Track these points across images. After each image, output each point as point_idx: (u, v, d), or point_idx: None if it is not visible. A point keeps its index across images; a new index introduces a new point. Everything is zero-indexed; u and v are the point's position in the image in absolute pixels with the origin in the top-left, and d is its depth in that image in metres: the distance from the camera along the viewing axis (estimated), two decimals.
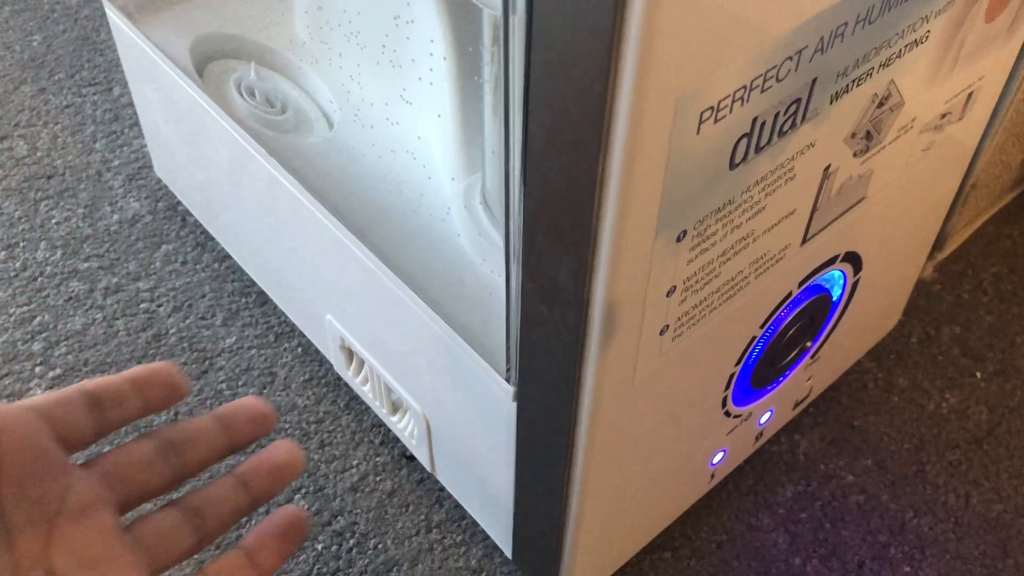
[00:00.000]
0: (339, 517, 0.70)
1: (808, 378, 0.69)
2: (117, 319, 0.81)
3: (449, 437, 0.64)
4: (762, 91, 0.39)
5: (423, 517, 0.70)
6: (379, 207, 0.60)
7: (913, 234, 0.68)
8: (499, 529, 0.64)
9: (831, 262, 0.58)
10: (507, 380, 0.52)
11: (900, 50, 0.46)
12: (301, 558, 0.68)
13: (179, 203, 0.88)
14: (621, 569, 0.67)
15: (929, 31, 0.47)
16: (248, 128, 0.64)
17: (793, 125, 0.43)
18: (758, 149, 0.42)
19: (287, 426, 0.74)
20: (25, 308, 0.81)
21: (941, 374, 0.79)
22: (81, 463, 0.30)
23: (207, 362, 0.78)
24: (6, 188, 0.90)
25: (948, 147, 0.60)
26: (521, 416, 0.53)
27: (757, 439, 0.70)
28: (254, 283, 0.82)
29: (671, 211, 0.40)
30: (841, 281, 0.62)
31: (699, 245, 0.44)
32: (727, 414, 0.61)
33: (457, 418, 0.61)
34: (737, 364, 0.57)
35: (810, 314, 0.60)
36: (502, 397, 0.53)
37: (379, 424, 0.74)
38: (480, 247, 0.57)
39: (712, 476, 0.68)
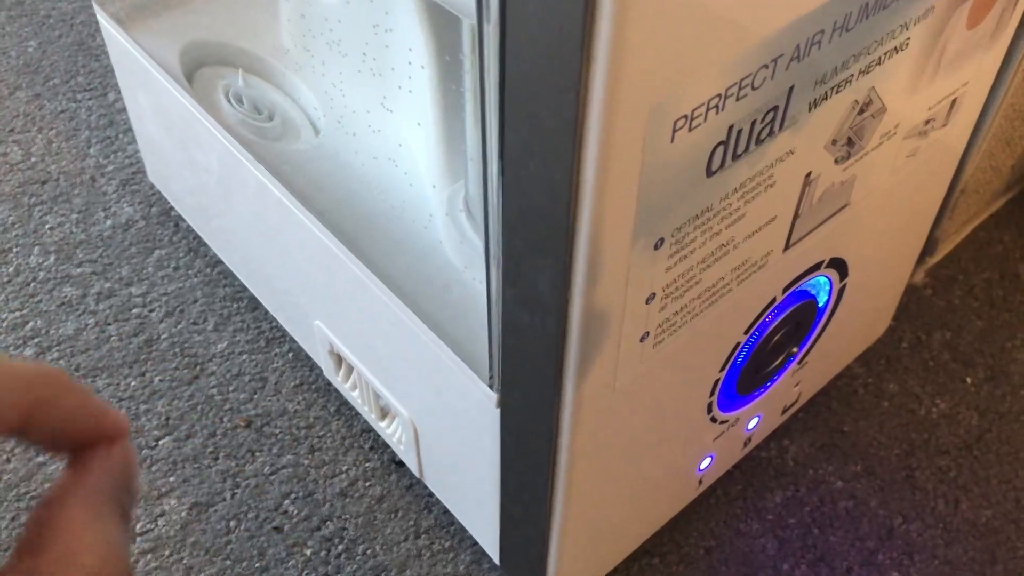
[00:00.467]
0: (328, 522, 0.70)
1: (796, 383, 0.69)
2: (109, 324, 0.81)
3: (436, 443, 0.64)
4: (737, 99, 0.39)
5: (412, 523, 0.70)
6: (365, 213, 0.60)
7: (900, 240, 0.68)
8: (486, 535, 0.65)
9: (816, 268, 0.58)
10: (490, 387, 0.52)
11: (880, 57, 0.46)
12: (290, 563, 0.68)
13: (172, 208, 0.88)
14: (609, 575, 0.67)
15: (909, 38, 0.47)
16: (237, 135, 0.64)
17: (771, 133, 0.43)
18: (735, 157, 0.42)
19: (277, 431, 0.75)
20: (18, 313, 0.82)
21: (931, 379, 0.79)
22: None
23: (198, 367, 0.78)
24: (0, 193, 0.90)
25: (934, 153, 0.60)
26: (505, 423, 0.53)
27: (745, 445, 0.70)
28: (246, 288, 0.82)
29: (648, 218, 0.41)
30: (827, 287, 0.62)
31: (678, 252, 0.44)
32: (713, 420, 0.62)
33: (443, 424, 0.61)
34: (722, 370, 0.57)
35: (796, 320, 0.60)
36: (486, 404, 0.53)
37: (369, 430, 0.75)
38: (463, 254, 0.57)
39: (700, 482, 0.68)
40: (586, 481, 0.54)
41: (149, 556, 0.68)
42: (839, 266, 0.60)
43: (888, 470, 0.74)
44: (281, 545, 0.69)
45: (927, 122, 0.56)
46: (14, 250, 0.86)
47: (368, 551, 0.69)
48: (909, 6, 0.45)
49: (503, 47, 0.36)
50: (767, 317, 0.57)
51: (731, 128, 0.40)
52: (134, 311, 0.82)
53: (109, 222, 0.88)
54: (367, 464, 0.73)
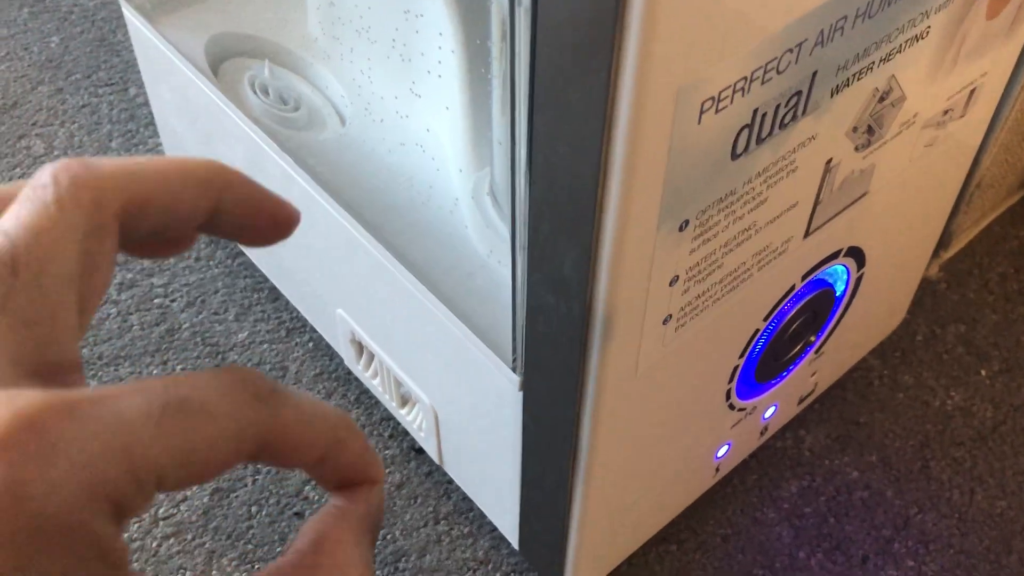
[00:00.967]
0: None
1: (813, 373, 0.70)
2: (131, 314, 0.82)
3: (457, 429, 0.64)
4: (763, 83, 0.40)
5: (431, 509, 0.71)
6: (389, 201, 0.61)
7: (917, 231, 0.69)
8: (506, 520, 0.65)
9: (834, 256, 0.59)
10: (513, 370, 0.52)
11: (901, 45, 0.47)
12: None
13: None
14: (627, 560, 0.68)
15: (930, 27, 0.48)
16: (262, 125, 0.65)
17: (794, 117, 0.44)
18: (759, 140, 0.43)
19: None
20: None
21: (946, 372, 0.80)
22: None
23: (219, 356, 0.79)
24: None
25: (951, 144, 0.61)
26: (527, 406, 0.53)
27: (762, 434, 0.71)
28: (266, 279, 0.83)
29: (673, 201, 0.41)
30: (844, 276, 0.62)
31: (701, 235, 0.45)
32: (731, 407, 0.62)
33: (465, 410, 0.62)
34: (741, 357, 0.58)
35: (813, 308, 0.61)
36: (508, 387, 0.53)
37: (389, 418, 0.75)
38: (487, 239, 0.58)
39: (717, 470, 0.68)
40: (607, 466, 0.55)
41: (172, 540, 0.69)
42: (857, 255, 0.61)
43: (903, 461, 0.74)
44: None
45: (945, 112, 0.56)
46: None
47: (388, 536, 0.70)
48: None
49: (534, 29, 0.36)
50: (786, 304, 0.58)
51: (756, 111, 0.41)
52: (156, 301, 0.83)
53: None
54: (387, 451, 0.74)
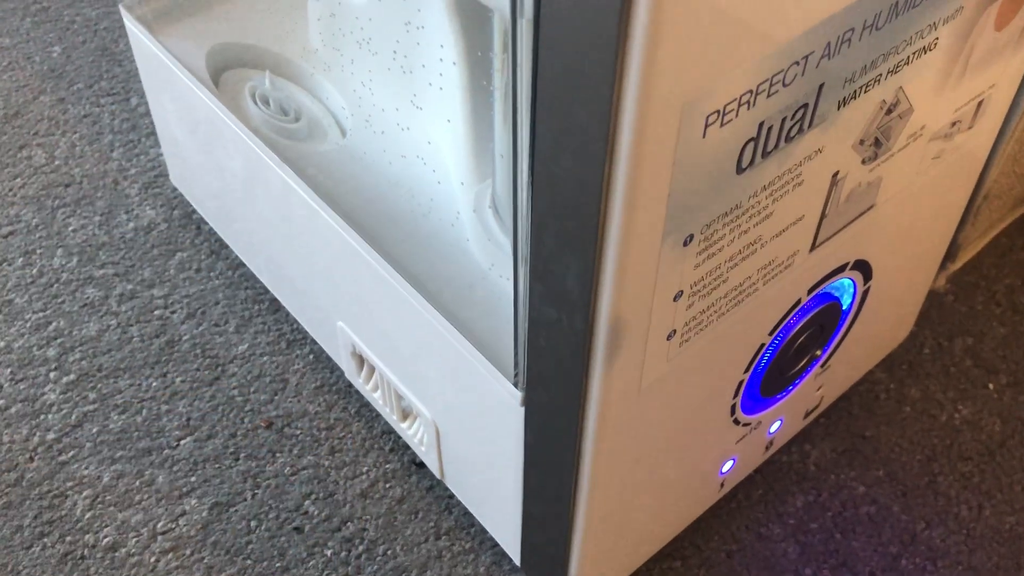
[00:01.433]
0: (348, 523, 0.70)
1: (819, 387, 0.69)
2: (131, 325, 0.81)
3: (458, 443, 0.64)
4: (768, 96, 0.39)
5: (432, 524, 0.70)
6: (390, 213, 0.60)
7: (924, 243, 0.68)
8: (507, 536, 0.64)
9: (841, 270, 0.58)
10: (515, 385, 0.52)
11: (908, 57, 0.46)
12: (311, 563, 0.68)
13: (194, 211, 0.89)
14: None
15: (937, 38, 0.47)
16: (263, 136, 0.65)
17: (800, 130, 0.43)
18: (765, 154, 0.42)
19: (298, 432, 0.75)
20: (41, 314, 0.82)
21: (953, 385, 0.79)
22: None
23: (219, 368, 0.79)
24: (24, 196, 0.91)
25: (958, 156, 0.60)
26: (529, 421, 0.53)
27: (767, 448, 0.70)
28: (267, 291, 0.82)
29: (678, 215, 0.41)
30: (851, 289, 0.61)
31: (706, 249, 0.44)
32: (736, 422, 0.61)
33: (466, 424, 0.61)
34: (746, 371, 0.57)
35: (820, 322, 0.60)
36: (510, 402, 0.53)
37: (389, 431, 0.75)
38: (489, 252, 0.57)
39: (722, 485, 0.68)
40: (609, 481, 0.54)
41: (170, 555, 0.68)
42: (863, 268, 0.60)
43: (911, 476, 0.74)
44: (301, 545, 0.69)
45: (953, 124, 0.56)
46: (38, 252, 0.87)
47: (388, 552, 0.69)
48: (938, 6, 0.45)
49: (536, 41, 0.36)
50: (792, 319, 0.57)
51: (762, 124, 0.40)
52: (156, 312, 0.82)
53: (131, 225, 0.89)
54: (387, 466, 0.73)
